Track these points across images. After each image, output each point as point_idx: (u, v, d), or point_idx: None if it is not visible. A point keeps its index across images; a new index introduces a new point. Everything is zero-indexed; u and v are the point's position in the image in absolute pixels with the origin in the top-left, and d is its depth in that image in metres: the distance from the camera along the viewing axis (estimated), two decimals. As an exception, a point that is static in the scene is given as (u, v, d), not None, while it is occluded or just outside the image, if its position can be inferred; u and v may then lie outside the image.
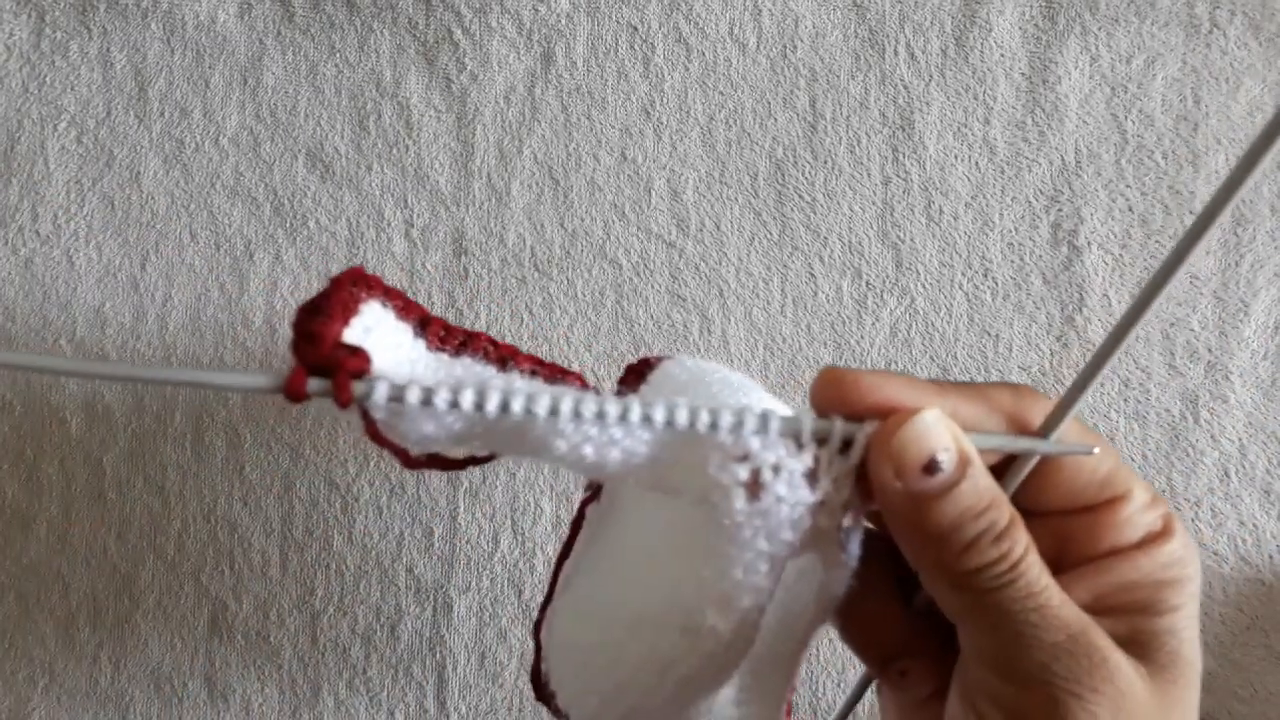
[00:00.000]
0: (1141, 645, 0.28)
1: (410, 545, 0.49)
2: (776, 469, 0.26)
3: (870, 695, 0.39)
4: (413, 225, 0.49)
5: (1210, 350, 0.48)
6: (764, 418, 0.26)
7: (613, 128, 0.49)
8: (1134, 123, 0.48)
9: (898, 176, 0.49)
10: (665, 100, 0.49)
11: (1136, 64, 0.48)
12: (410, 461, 0.29)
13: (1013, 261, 0.48)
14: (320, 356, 0.24)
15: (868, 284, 0.48)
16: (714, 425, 0.25)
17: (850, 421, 0.27)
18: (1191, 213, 0.48)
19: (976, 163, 0.48)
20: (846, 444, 0.27)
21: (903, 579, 0.31)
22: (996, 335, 0.48)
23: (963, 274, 0.48)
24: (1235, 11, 0.48)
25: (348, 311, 0.26)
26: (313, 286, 0.49)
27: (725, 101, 0.49)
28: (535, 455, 0.27)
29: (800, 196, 0.49)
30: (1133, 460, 0.48)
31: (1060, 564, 0.29)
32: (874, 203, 0.49)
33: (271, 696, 0.49)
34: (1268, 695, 0.47)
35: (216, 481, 0.49)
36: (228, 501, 0.49)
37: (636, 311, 0.48)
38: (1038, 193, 0.48)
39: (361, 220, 0.49)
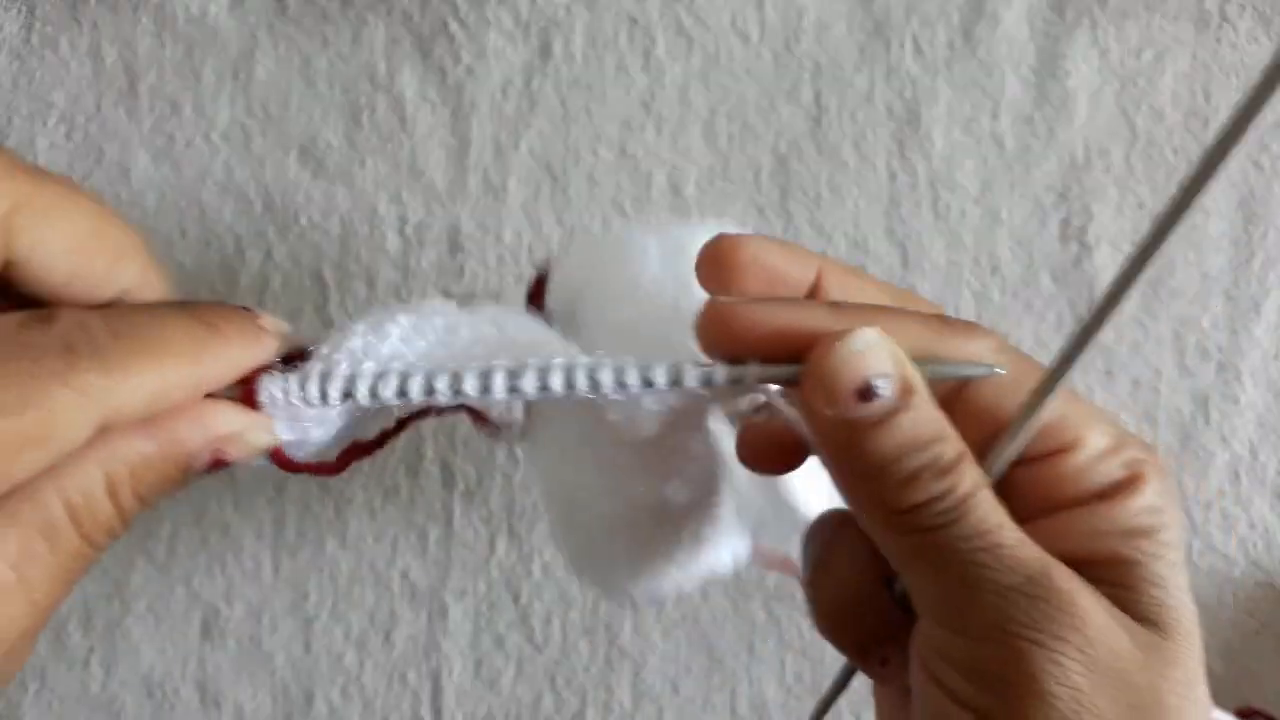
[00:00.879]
0: (1120, 598, 0.25)
1: (404, 549, 0.49)
2: None
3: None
4: (407, 221, 0.49)
5: (1221, 350, 0.48)
6: (677, 376, 0.26)
7: (612, 121, 0.49)
8: (1144, 118, 0.49)
9: (904, 172, 0.49)
10: (666, 93, 0.49)
11: (1146, 58, 0.49)
12: (329, 468, 0.29)
13: (1021, 258, 0.48)
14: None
15: (873, 282, 0.48)
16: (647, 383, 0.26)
17: (765, 364, 0.25)
18: (1202, 210, 0.48)
19: (984, 158, 0.48)
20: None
21: (877, 559, 0.28)
22: (1005, 334, 0.47)
23: (970, 271, 0.48)
24: (1245, 5, 0.49)
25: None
26: (304, 284, 0.49)
27: (727, 95, 0.49)
28: None
29: (804, 192, 0.49)
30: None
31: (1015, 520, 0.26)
32: (880, 198, 0.48)
33: (264, 703, 0.49)
34: (1279, 700, 0.47)
35: (207, 484, 0.49)
36: (219, 505, 0.49)
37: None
38: (1047, 188, 0.48)
39: (354, 216, 0.49)
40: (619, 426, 0.27)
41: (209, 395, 0.25)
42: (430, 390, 0.26)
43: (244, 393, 0.26)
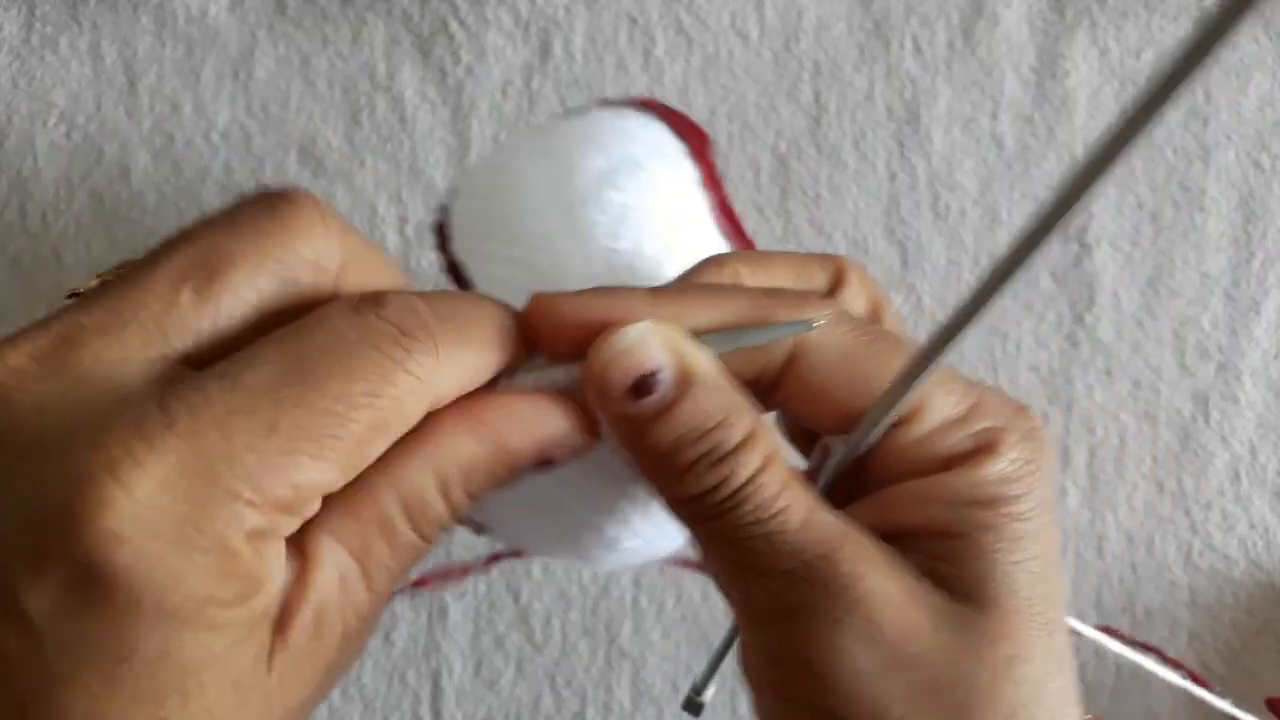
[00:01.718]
0: (941, 572, 0.24)
1: (405, 549, 0.48)
2: None
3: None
4: (407, 221, 0.49)
5: (1221, 350, 0.48)
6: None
7: (612, 122, 0.49)
8: (1144, 117, 0.48)
9: (904, 171, 0.48)
10: (665, 93, 0.49)
11: (1146, 58, 0.49)
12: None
13: (1021, 259, 0.48)
14: None
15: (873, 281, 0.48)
16: None
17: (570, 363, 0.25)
18: (1202, 209, 0.48)
19: (984, 158, 0.48)
20: None
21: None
22: (1005, 334, 0.48)
23: (970, 271, 0.48)
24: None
25: None
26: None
27: (727, 95, 0.49)
28: None
29: (804, 192, 0.49)
30: (1142, 461, 0.48)
31: (854, 495, 0.25)
32: (879, 198, 0.48)
33: (263, 703, 0.49)
34: None
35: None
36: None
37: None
38: (1046, 188, 0.48)
39: (354, 216, 0.49)
40: None
41: (543, 395, 0.24)
42: None
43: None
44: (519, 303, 0.25)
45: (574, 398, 0.25)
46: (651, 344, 0.24)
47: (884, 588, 0.23)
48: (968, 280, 0.48)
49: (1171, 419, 0.48)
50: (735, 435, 0.24)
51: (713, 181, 0.31)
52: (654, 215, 0.25)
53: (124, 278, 0.22)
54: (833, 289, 0.28)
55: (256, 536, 0.21)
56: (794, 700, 0.24)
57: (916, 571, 0.24)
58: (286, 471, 0.20)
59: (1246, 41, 0.48)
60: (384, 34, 0.49)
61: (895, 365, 0.24)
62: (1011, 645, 0.24)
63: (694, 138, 0.32)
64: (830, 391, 0.25)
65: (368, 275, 0.24)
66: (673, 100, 0.49)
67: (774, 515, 0.23)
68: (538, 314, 0.25)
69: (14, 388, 0.20)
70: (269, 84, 0.49)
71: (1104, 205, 0.48)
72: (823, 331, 0.25)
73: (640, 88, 0.49)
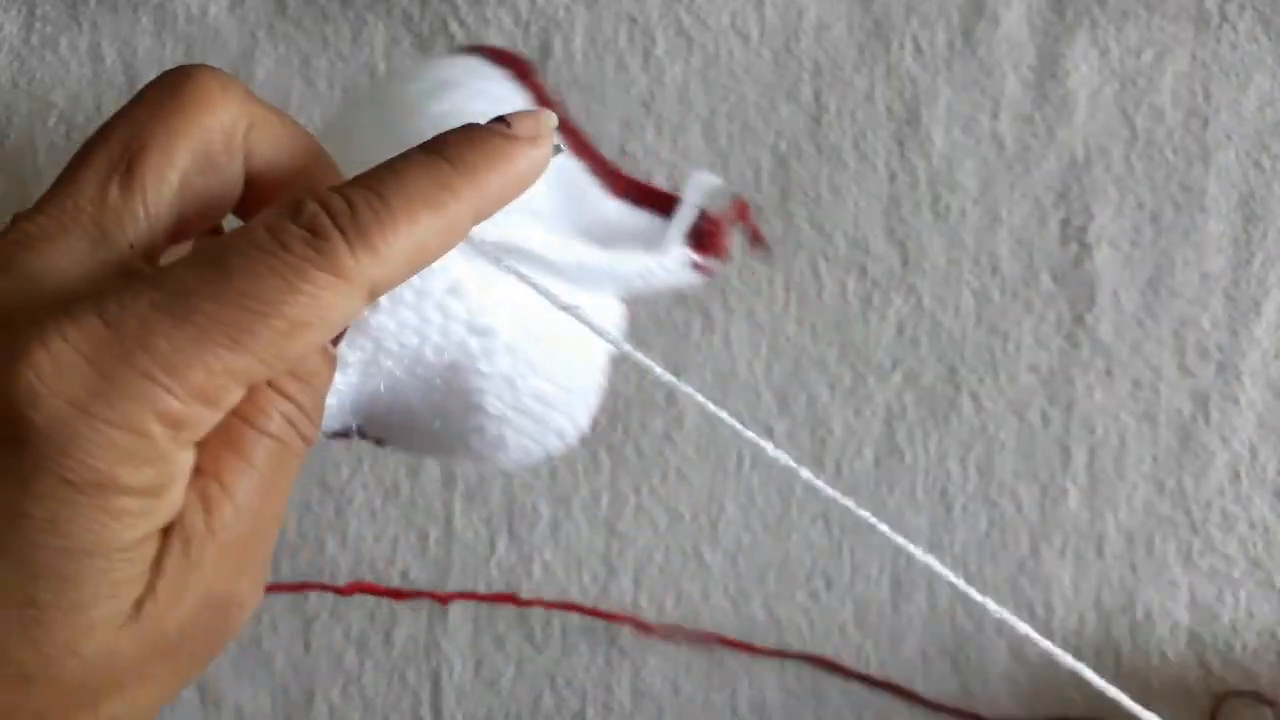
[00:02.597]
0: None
1: (404, 549, 0.49)
2: None
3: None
4: (408, 222, 0.49)
5: (1221, 350, 0.48)
6: None
7: (612, 121, 0.49)
8: (1144, 117, 0.48)
9: (904, 172, 0.48)
10: (665, 93, 0.49)
11: (1146, 58, 0.49)
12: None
13: (1021, 258, 0.48)
14: None
15: (873, 281, 0.48)
16: None
17: None
18: (1202, 209, 0.48)
19: (984, 158, 0.48)
20: None
21: None
22: (1005, 334, 0.48)
23: (970, 271, 0.48)
24: (1245, 5, 0.48)
25: None
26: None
27: (727, 95, 0.49)
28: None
29: (804, 192, 0.49)
30: (1142, 461, 0.48)
31: None
32: (880, 198, 0.48)
33: (264, 703, 0.49)
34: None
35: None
36: (219, 504, 0.49)
37: (637, 310, 0.48)
38: (1046, 188, 0.48)
39: (355, 217, 0.49)
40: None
41: None
42: None
43: None
44: None
45: None
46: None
47: None
48: (968, 280, 0.48)
49: (1171, 419, 0.48)
50: None
51: (544, 101, 0.33)
52: (476, 117, 0.26)
53: (59, 184, 0.23)
54: None
55: (171, 422, 0.21)
56: None
57: None
58: (202, 359, 0.21)
59: (1246, 41, 0.48)
60: (384, 34, 0.49)
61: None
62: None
63: (514, 65, 0.34)
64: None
65: (273, 137, 0.25)
66: (673, 100, 0.49)
67: None
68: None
69: None
70: (269, 84, 0.49)
71: (1104, 205, 0.48)
72: None
73: (640, 88, 0.49)
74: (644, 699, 0.48)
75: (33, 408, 0.20)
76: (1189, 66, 0.48)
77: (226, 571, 0.23)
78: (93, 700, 0.22)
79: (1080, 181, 0.48)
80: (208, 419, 0.22)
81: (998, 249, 0.48)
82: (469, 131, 0.25)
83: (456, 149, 0.24)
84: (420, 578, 0.48)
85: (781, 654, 0.47)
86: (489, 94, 0.32)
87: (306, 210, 0.22)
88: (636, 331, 0.48)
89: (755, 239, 0.31)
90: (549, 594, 0.48)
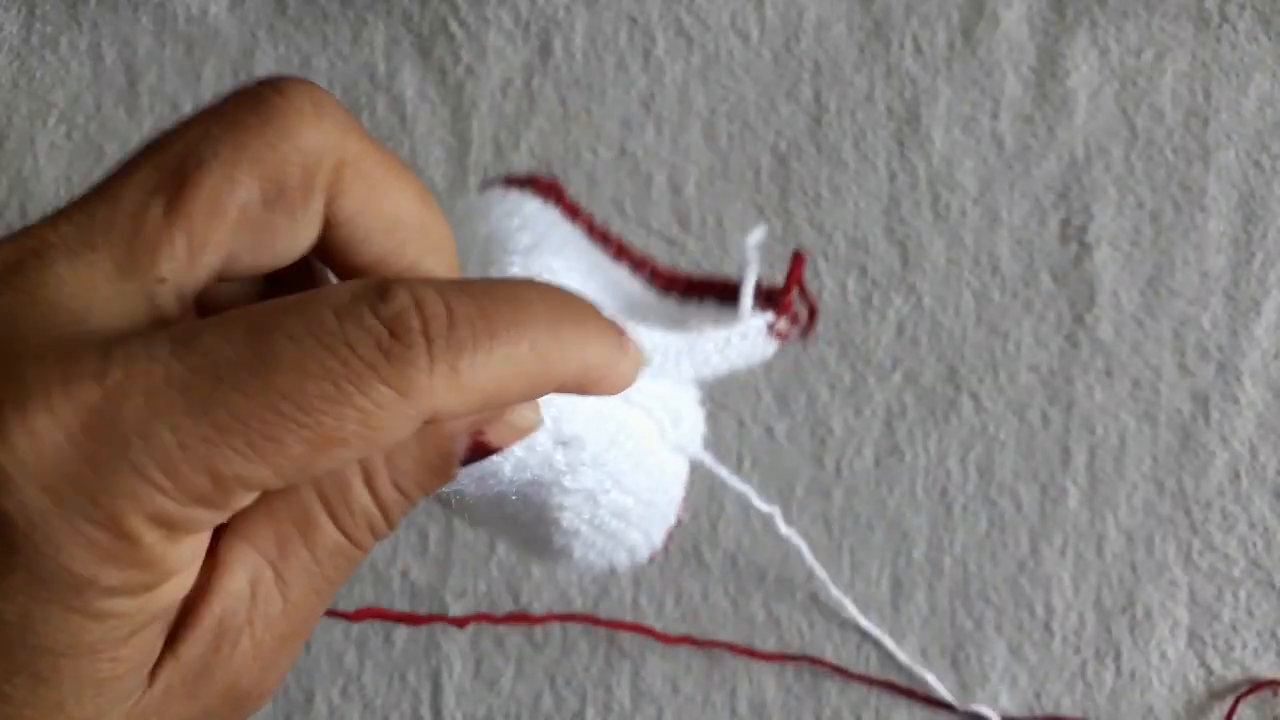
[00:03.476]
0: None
1: (404, 548, 0.49)
2: None
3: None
4: (408, 222, 0.49)
5: (1221, 350, 0.48)
6: None
7: (612, 121, 0.49)
8: (1144, 117, 0.49)
9: (904, 171, 0.49)
10: (666, 93, 0.49)
11: (1146, 58, 0.49)
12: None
13: (1021, 258, 0.48)
14: None
15: (873, 281, 0.48)
16: None
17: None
18: (1202, 209, 0.48)
19: (984, 157, 0.48)
20: None
21: None
22: (1005, 334, 0.48)
23: (970, 271, 0.48)
24: (1245, 5, 0.49)
25: None
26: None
27: (727, 94, 0.49)
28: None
29: (804, 191, 0.49)
30: (1142, 461, 0.48)
31: None
32: (879, 198, 0.48)
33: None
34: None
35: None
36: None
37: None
38: (1046, 188, 0.48)
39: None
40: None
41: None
42: None
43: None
44: None
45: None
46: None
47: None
48: (968, 280, 0.48)
49: (1171, 419, 0.48)
50: None
51: (593, 231, 0.31)
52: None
53: (96, 190, 0.19)
54: None
55: (164, 524, 0.18)
56: None
57: None
58: (208, 460, 0.17)
59: (1246, 41, 0.49)
60: (384, 34, 0.49)
61: None
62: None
63: (551, 193, 0.32)
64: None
65: (370, 185, 0.20)
66: (673, 100, 0.49)
67: None
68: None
69: None
70: (269, 84, 0.49)
71: (1104, 205, 0.48)
72: None
73: (640, 88, 0.49)
74: (644, 699, 0.48)
75: (4, 493, 0.17)
76: (1189, 66, 0.49)
77: (256, 669, 0.21)
78: None
79: (1080, 181, 0.48)
80: (208, 520, 0.18)
81: (998, 249, 0.48)
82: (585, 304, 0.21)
83: (577, 312, 0.21)
84: (420, 577, 0.48)
85: (782, 656, 0.47)
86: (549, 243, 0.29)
87: (395, 302, 0.18)
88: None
89: (811, 313, 0.29)
90: (549, 594, 0.48)
